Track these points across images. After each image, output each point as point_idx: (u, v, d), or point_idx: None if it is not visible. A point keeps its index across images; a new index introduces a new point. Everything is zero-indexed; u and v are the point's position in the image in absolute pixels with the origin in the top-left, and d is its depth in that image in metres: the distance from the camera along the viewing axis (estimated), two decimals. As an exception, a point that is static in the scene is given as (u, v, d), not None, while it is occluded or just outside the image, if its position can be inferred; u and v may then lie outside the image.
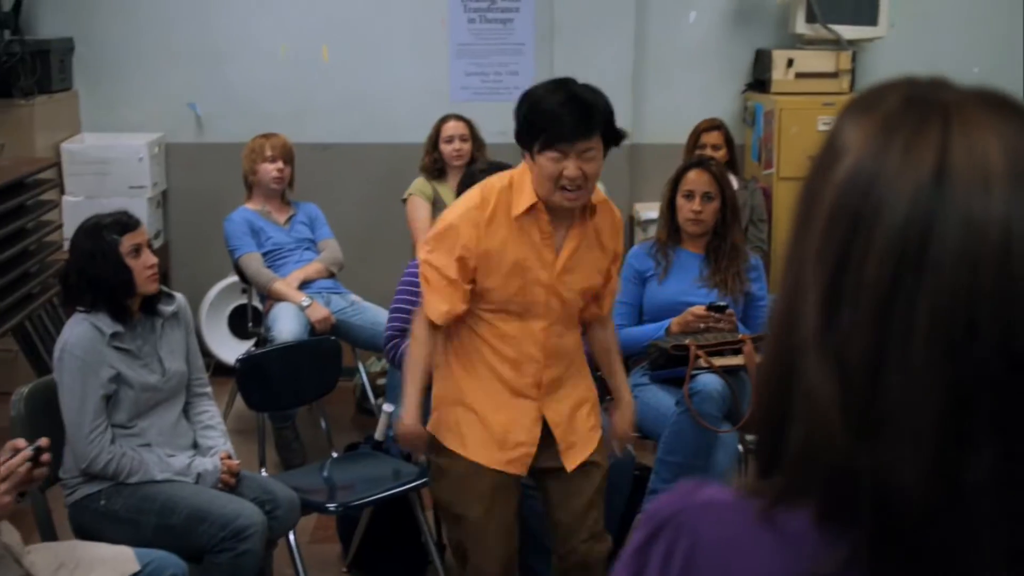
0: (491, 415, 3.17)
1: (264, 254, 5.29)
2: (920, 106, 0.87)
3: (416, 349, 3.21)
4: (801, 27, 6.28)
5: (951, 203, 0.82)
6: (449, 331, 3.20)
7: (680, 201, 4.27)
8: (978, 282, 0.81)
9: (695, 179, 4.25)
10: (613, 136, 3.06)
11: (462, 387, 3.20)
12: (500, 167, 4.06)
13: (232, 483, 3.43)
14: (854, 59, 6.34)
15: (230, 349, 6.05)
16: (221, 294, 6.28)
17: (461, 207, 3.14)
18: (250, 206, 5.41)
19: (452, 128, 5.62)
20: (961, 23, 6.83)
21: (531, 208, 3.06)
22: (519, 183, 3.09)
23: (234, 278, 5.85)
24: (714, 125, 5.72)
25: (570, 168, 2.96)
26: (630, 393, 3.51)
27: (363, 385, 5.57)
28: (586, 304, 3.28)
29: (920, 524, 0.81)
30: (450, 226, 3.09)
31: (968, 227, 0.81)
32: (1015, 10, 6.91)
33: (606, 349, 3.47)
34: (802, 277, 0.87)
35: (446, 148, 5.61)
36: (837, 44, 6.30)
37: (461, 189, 4.06)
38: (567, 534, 3.28)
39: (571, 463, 3.25)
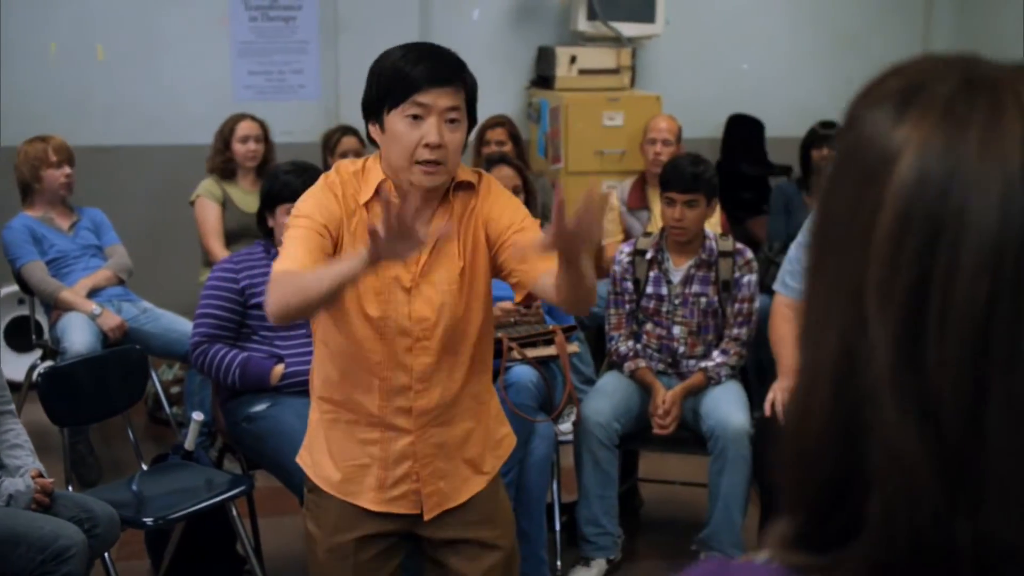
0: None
1: (48, 263, 5.05)
2: (986, 89, 0.73)
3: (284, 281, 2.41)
4: (582, 25, 6.44)
5: None
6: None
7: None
8: None
9: (501, 176, 4.29)
10: (473, 110, 2.58)
11: None
12: (306, 167, 4.02)
13: (47, 502, 3.26)
14: (634, 55, 6.53)
15: (9, 364, 5.74)
16: (-4, 306, 5.98)
17: (310, 195, 2.55)
18: (30, 213, 5.15)
19: (247, 128, 5.50)
20: (730, 21, 7.13)
21: (380, 191, 2.49)
22: (370, 167, 2.55)
23: (10, 288, 5.57)
24: (498, 122, 5.79)
25: (430, 132, 2.42)
26: None
27: (157, 393, 5.40)
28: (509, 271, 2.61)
29: None
30: (303, 213, 2.51)
31: None
32: (779, 8, 7.26)
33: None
34: (857, 311, 0.72)
35: (240, 148, 5.49)
36: (617, 41, 6.48)
37: (266, 190, 3.99)
38: None
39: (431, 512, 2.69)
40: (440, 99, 2.44)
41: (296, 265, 2.39)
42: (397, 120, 2.45)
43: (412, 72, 2.43)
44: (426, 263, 2.54)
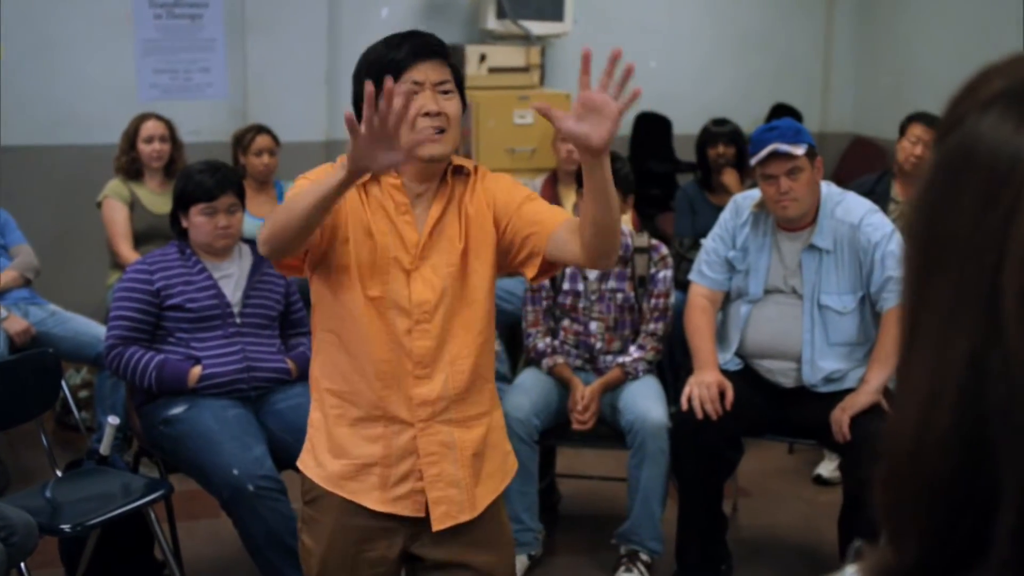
0: None
1: (-51, 265, 4.94)
2: None
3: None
4: (492, 23, 6.46)
5: None
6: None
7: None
8: None
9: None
10: (460, 78, 2.55)
11: None
12: (219, 166, 3.98)
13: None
14: (543, 54, 6.57)
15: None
16: None
17: (317, 168, 2.54)
18: (-70, 214, 5.03)
19: (151, 128, 5.42)
20: (638, 20, 7.21)
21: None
22: None
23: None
24: None
25: (427, 101, 2.43)
26: None
27: (65, 398, 5.29)
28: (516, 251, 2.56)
29: None
30: (305, 177, 2.50)
31: None
32: (686, 7, 7.36)
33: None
34: (989, 320, 0.69)
35: (145, 148, 5.41)
36: (526, 39, 6.51)
37: (179, 190, 3.94)
38: None
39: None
40: (430, 73, 2.46)
41: None
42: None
43: (398, 54, 2.45)
44: (425, 245, 2.51)
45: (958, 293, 0.70)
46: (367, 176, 2.43)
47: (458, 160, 2.58)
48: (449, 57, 2.53)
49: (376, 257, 2.48)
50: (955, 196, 0.72)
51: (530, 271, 2.55)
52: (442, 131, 2.45)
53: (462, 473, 2.57)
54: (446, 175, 2.56)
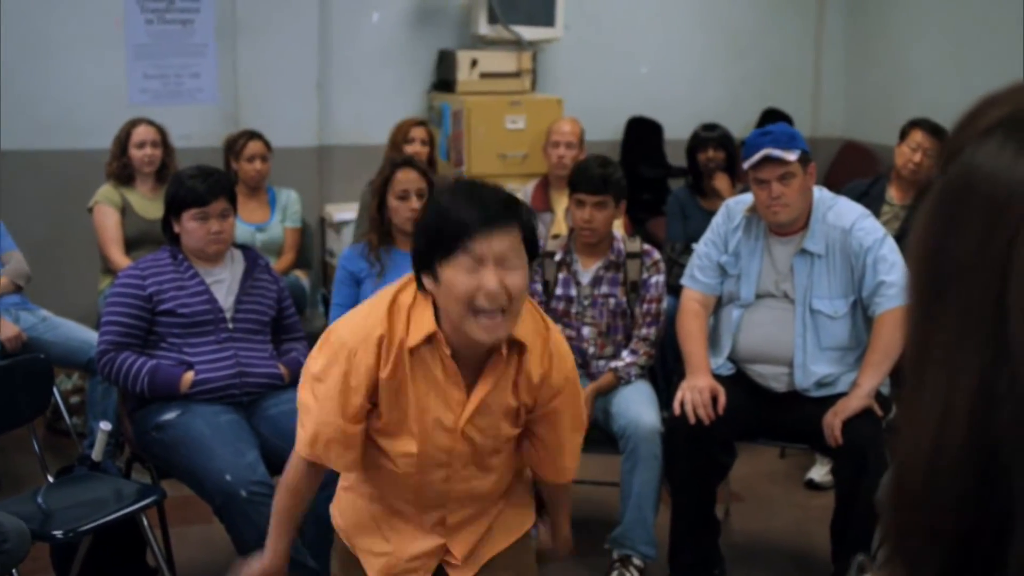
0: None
1: (-60, 271, 4.92)
2: None
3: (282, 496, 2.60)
4: (483, 28, 6.46)
5: None
6: None
7: (395, 203, 4.26)
8: None
9: (407, 178, 4.26)
10: (533, 246, 2.35)
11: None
12: (210, 172, 3.97)
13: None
14: (535, 59, 6.58)
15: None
16: None
17: (360, 325, 2.40)
18: (-79, 220, 5.01)
19: (143, 133, 5.42)
20: (629, 25, 7.21)
21: (429, 339, 2.36)
22: (421, 306, 2.38)
23: None
24: (419, 121, 5.84)
25: (489, 280, 2.22)
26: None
27: (56, 404, 5.28)
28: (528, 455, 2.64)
29: None
30: (344, 346, 2.39)
31: None
32: (677, 12, 7.37)
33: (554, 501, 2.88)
34: (997, 343, 0.70)
35: (136, 153, 5.40)
36: (518, 45, 6.51)
37: (171, 196, 3.93)
38: None
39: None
40: (495, 243, 2.25)
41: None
42: (450, 271, 2.26)
43: (463, 217, 2.25)
44: (473, 414, 2.44)
45: (964, 318, 0.72)
46: (419, 340, 2.35)
47: (518, 333, 2.41)
48: (520, 216, 2.33)
49: (419, 419, 2.42)
50: (957, 223, 0.74)
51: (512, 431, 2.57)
52: (504, 311, 2.28)
53: (479, 520, 2.63)
54: (503, 349, 2.41)
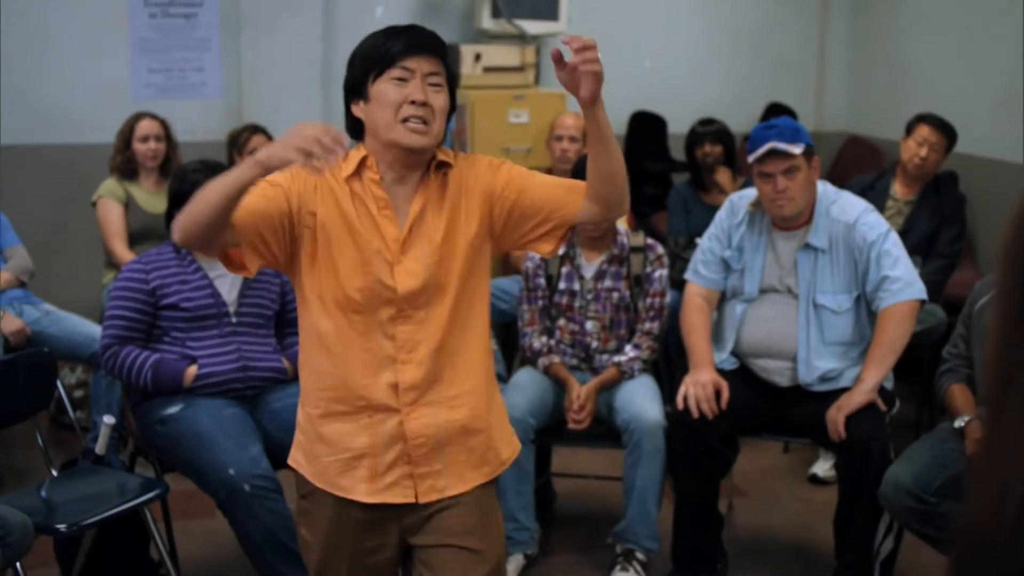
0: None
1: (-56, 266, 4.93)
2: None
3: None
4: (486, 22, 6.45)
5: None
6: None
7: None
8: None
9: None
10: (452, 89, 2.57)
11: None
12: (215, 165, 3.97)
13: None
14: (538, 53, 6.57)
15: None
16: None
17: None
18: (-76, 215, 5.02)
19: (147, 127, 5.43)
20: (633, 19, 7.21)
21: (361, 166, 2.53)
22: (352, 153, 2.55)
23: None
24: None
25: (415, 91, 2.45)
26: None
27: (60, 398, 5.29)
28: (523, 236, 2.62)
29: None
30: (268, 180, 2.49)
31: None
32: (681, 6, 7.36)
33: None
34: None
35: (140, 147, 5.41)
36: (521, 39, 6.51)
37: (175, 190, 3.93)
38: None
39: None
40: (423, 64, 2.48)
41: None
42: (382, 84, 2.47)
43: (395, 45, 2.49)
44: (405, 240, 2.52)
45: None
46: (351, 169, 2.51)
47: (441, 154, 2.58)
48: (446, 56, 2.56)
49: (359, 251, 2.51)
50: None
51: (548, 245, 2.60)
52: (426, 123, 2.47)
53: (449, 451, 2.59)
54: (428, 168, 2.57)
